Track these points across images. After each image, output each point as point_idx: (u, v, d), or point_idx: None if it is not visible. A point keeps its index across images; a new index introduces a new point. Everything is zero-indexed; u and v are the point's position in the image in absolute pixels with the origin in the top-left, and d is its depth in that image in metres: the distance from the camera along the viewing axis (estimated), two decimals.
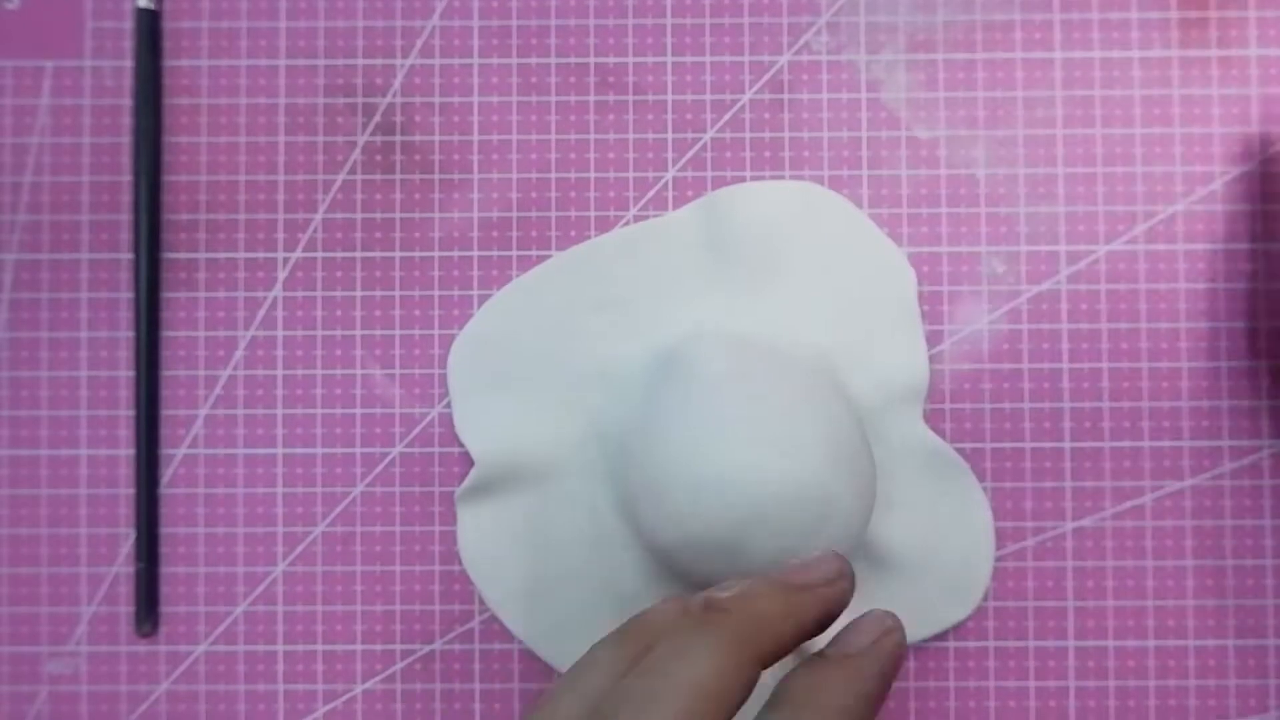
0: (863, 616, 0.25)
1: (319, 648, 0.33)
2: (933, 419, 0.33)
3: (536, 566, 0.33)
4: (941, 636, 0.33)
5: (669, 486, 0.29)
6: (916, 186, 0.34)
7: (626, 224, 0.34)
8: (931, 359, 0.33)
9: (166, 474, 0.34)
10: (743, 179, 0.34)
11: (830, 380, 0.32)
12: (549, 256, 0.33)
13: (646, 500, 0.29)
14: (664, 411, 0.30)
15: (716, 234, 0.33)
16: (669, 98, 0.34)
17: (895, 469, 0.32)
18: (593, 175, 0.34)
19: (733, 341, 0.31)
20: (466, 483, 0.33)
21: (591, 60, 0.34)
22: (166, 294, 0.34)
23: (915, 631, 0.32)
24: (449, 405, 0.33)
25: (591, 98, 0.34)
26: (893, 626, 0.25)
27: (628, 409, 0.32)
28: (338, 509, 0.33)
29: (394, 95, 0.34)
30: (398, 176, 0.34)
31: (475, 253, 0.34)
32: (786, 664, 0.30)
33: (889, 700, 0.33)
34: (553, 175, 0.34)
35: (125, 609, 0.33)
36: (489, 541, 0.33)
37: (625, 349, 0.33)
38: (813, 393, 0.30)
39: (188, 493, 0.34)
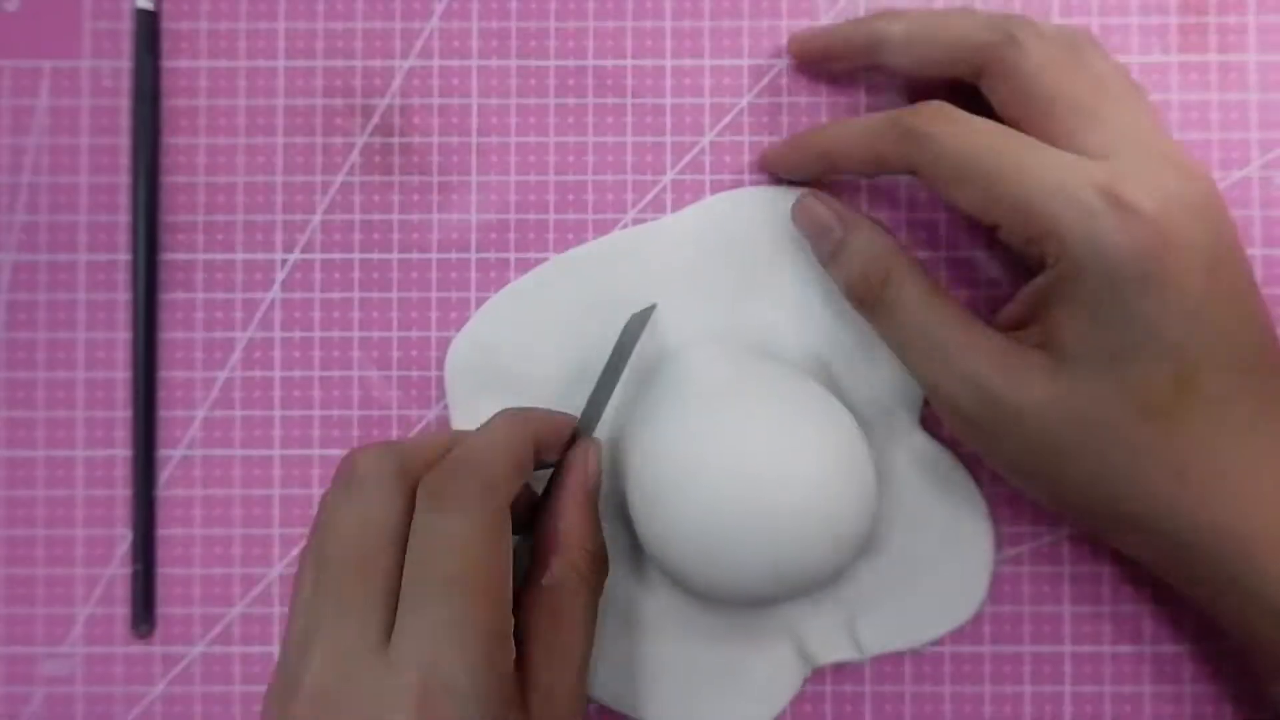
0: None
1: None
2: (930, 424, 0.33)
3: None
4: (938, 641, 0.33)
5: (667, 496, 0.29)
6: (915, 189, 0.34)
7: (625, 227, 0.34)
8: None
9: (163, 475, 0.34)
10: (741, 183, 0.34)
11: (829, 387, 0.32)
12: (547, 259, 0.33)
13: (644, 509, 0.29)
14: (661, 421, 0.30)
15: (715, 239, 0.33)
16: (668, 101, 0.34)
17: (895, 475, 0.32)
18: (591, 178, 0.34)
19: (730, 349, 0.31)
20: None
21: (590, 63, 0.34)
22: (164, 295, 0.34)
23: (914, 636, 0.32)
24: (446, 408, 0.33)
25: (590, 100, 0.34)
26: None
27: (626, 416, 0.32)
28: None
29: (393, 97, 0.34)
30: (396, 178, 0.34)
31: (473, 255, 0.34)
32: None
33: (885, 704, 0.33)
34: (551, 178, 0.34)
35: (121, 610, 0.33)
36: None
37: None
38: (811, 400, 0.30)
39: (185, 494, 0.33)
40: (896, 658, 0.33)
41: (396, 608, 0.25)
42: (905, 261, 0.30)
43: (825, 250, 0.31)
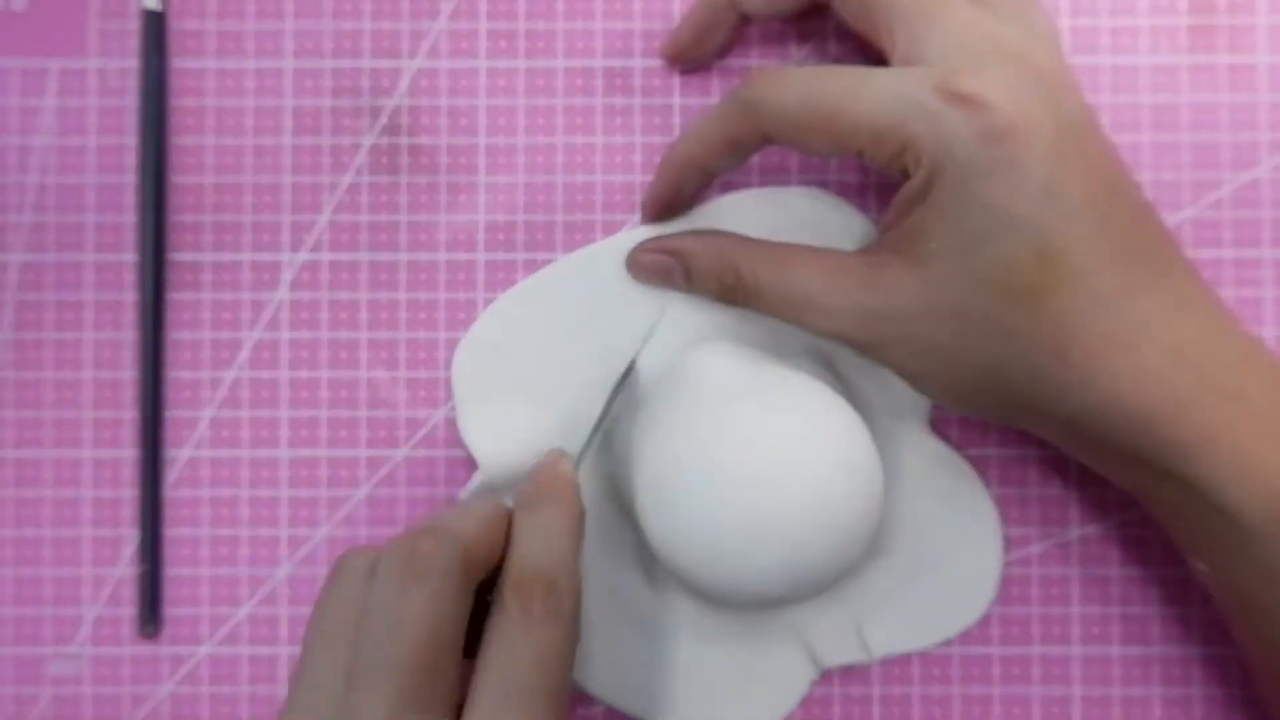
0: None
1: None
2: (938, 425, 0.33)
3: None
4: (947, 642, 0.33)
5: (676, 498, 0.29)
6: None
7: (633, 227, 0.33)
8: None
9: (171, 476, 0.33)
10: (749, 183, 0.33)
11: (836, 387, 0.32)
12: (556, 259, 0.33)
13: (654, 512, 0.29)
14: (670, 422, 0.30)
15: None
16: (676, 101, 0.34)
17: (902, 476, 0.32)
18: (600, 179, 0.34)
19: (737, 350, 0.31)
20: (470, 489, 0.33)
21: (599, 63, 0.34)
22: (172, 295, 0.34)
23: (922, 638, 0.32)
24: (454, 408, 0.33)
25: (599, 100, 0.34)
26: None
27: (634, 417, 0.32)
28: (342, 512, 0.33)
29: (401, 97, 0.34)
30: (404, 179, 0.34)
31: (481, 256, 0.34)
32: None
33: (893, 706, 0.33)
34: (559, 178, 0.34)
35: (129, 610, 0.33)
36: None
37: (632, 355, 0.33)
38: (817, 401, 0.30)
39: (192, 494, 0.33)
40: (905, 659, 0.33)
41: (456, 703, 0.25)
42: (743, 245, 0.30)
43: (679, 285, 0.32)
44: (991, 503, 0.33)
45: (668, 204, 0.32)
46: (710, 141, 0.30)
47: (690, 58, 0.33)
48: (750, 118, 0.29)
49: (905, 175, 0.28)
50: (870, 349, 0.29)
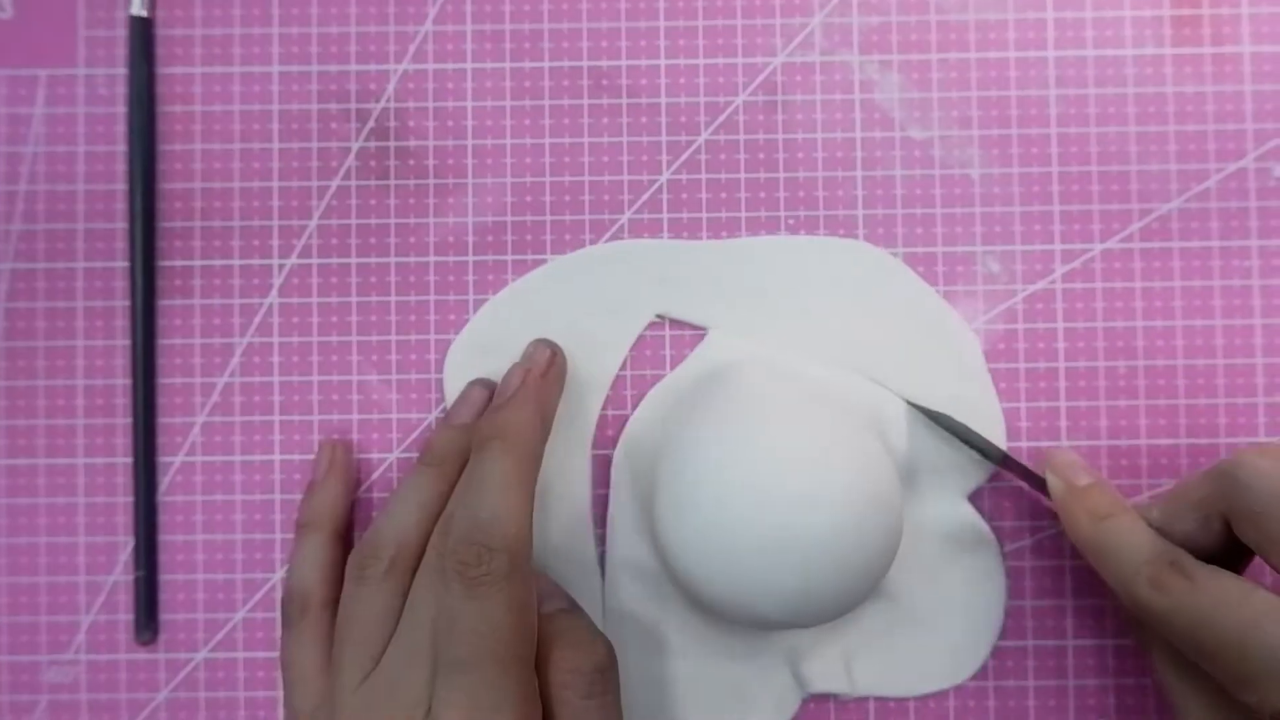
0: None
1: None
2: (975, 498, 0.33)
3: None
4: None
5: (696, 504, 0.28)
6: (911, 187, 0.34)
7: (622, 227, 0.33)
8: None
9: (164, 482, 0.34)
10: (737, 181, 0.34)
11: (870, 420, 0.32)
12: (544, 261, 0.33)
13: (674, 518, 0.29)
14: (700, 429, 0.30)
15: (753, 282, 0.33)
16: (663, 100, 0.34)
17: (924, 530, 0.32)
18: (587, 179, 0.34)
19: (783, 371, 0.31)
20: None
21: (585, 64, 0.34)
22: (162, 302, 0.34)
23: (906, 686, 0.33)
24: (445, 411, 0.33)
25: (585, 101, 0.34)
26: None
27: (668, 420, 0.32)
28: None
29: (387, 100, 0.34)
30: (392, 182, 0.34)
31: (470, 258, 0.34)
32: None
33: (889, 699, 0.33)
34: (547, 179, 0.34)
35: (124, 617, 0.33)
36: None
37: (624, 354, 0.33)
38: (850, 427, 0.30)
39: (186, 500, 0.34)
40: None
41: (431, 678, 0.26)
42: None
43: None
44: (1004, 580, 0.33)
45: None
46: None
47: None
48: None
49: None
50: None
